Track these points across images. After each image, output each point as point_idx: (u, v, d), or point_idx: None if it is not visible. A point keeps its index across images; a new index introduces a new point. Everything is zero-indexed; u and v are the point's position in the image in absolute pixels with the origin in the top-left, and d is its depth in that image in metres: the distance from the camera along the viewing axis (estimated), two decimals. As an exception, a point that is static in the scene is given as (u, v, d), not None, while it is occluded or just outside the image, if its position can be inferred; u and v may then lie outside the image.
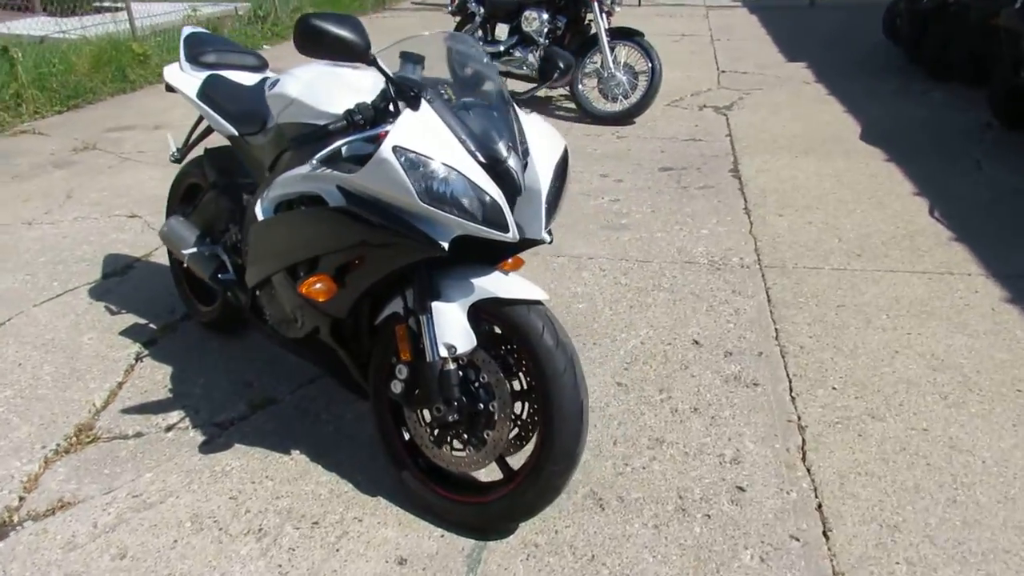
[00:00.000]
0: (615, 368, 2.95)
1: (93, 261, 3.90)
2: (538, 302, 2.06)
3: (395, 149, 1.85)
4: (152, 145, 5.74)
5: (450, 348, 2.03)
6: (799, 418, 2.66)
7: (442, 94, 2.05)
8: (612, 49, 6.16)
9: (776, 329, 3.21)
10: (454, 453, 2.19)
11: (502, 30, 6.90)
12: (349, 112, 2.00)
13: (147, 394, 2.85)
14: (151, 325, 3.31)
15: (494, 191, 1.92)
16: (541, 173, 2.03)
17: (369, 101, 2.02)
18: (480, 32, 7.09)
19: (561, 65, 2.34)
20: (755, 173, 5.02)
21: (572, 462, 2.05)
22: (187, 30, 3.18)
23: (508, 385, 2.07)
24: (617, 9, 6.31)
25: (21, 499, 2.35)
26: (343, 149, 2.01)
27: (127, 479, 2.41)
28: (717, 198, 4.62)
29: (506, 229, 1.93)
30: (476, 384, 2.11)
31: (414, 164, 1.86)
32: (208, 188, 2.94)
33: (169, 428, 2.66)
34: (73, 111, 6.83)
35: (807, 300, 3.43)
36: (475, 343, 2.04)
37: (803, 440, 2.55)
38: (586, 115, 6.31)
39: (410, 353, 2.10)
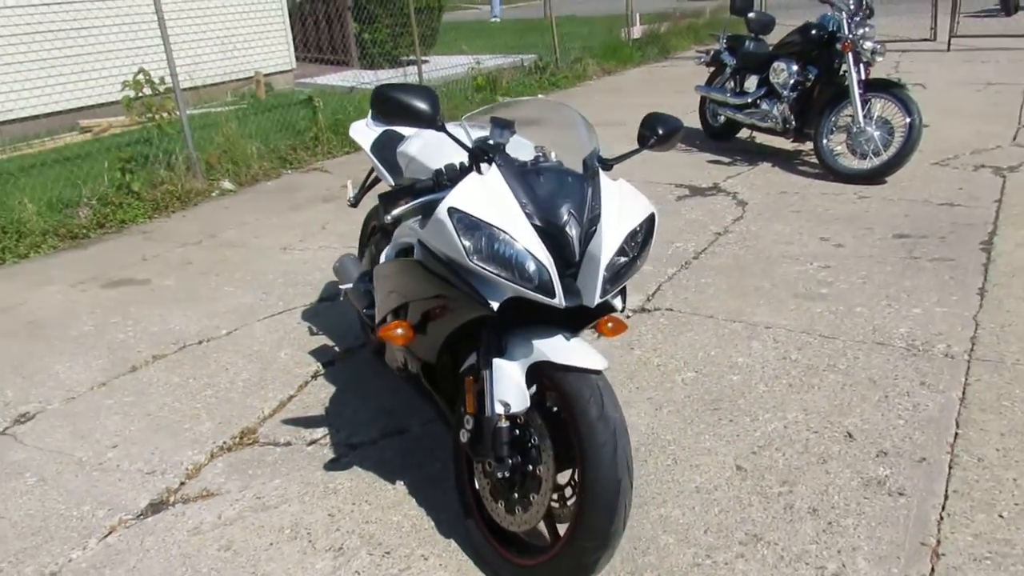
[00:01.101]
0: (742, 450, 2.74)
1: (316, 286, 4.46)
2: (593, 371, 2.01)
3: (450, 210, 1.95)
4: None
5: (505, 406, 2.06)
6: (938, 543, 2.26)
7: (516, 159, 2.11)
8: (866, 102, 5.67)
9: (956, 434, 2.75)
10: (505, 510, 2.20)
11: (752, 81, 6.69)
12: (438, 172, 2.15)
13: (308, 409, 3.22)
14: (336, 348, 3.72)
15: (543, 256, 1.93)
16: (606, 242, 2.00)
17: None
18: (731, 83, 6.93)
19: (660, 131, 2.28)
20: (1013, 247, 4.32)
21: (605, 542, 1.96)
22: (379, 86, 3.54)
23: (552, 451, 2.05)
24: (879, 60, 5.80)
25: (182, 484, 2.78)
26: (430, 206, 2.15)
27: (260, 481, 2.75)
28: (950, 273, 4.05)
29: (553, 295, 1.93)
30: (529, 444, 2.11)
31: (467, 225, 1.94)
32: (377, 230, 3.26)
33: (311, 442, 2.98)
34: (358, 152, 7.82)
35: (1013, 406, 2.89)
36: (527, 404, 2.05)
37: (932, 570, 2.17)
38: (830, 172, 5.86)
39: (475, 406, 2.17)
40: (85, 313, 4.32)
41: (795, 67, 6.09)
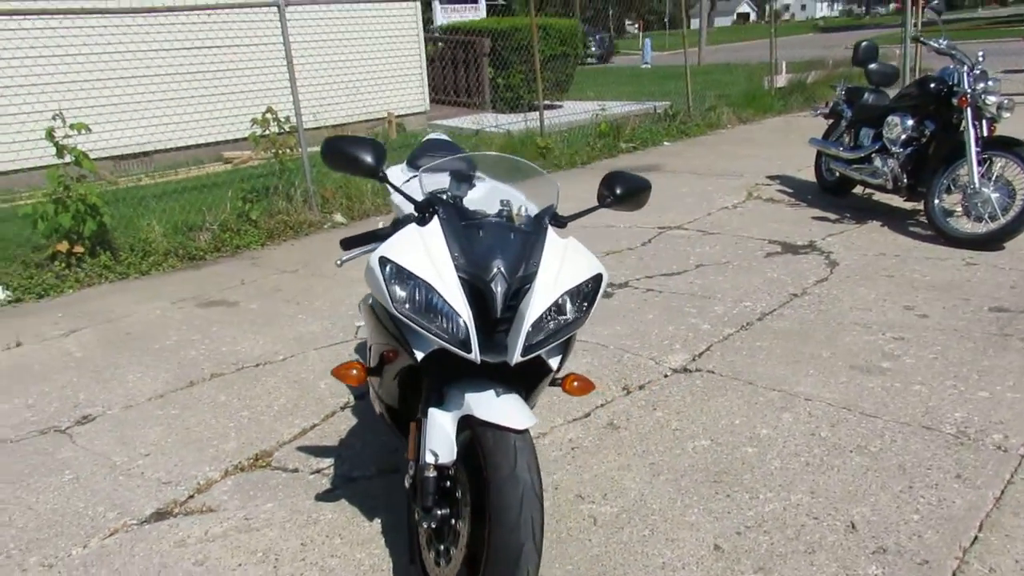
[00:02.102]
0: (726, 528, 2.58)
1: (379, 319, 4.64)
2: (513, 430, 1.98)
3: (381, 259, 2.01)
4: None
5: (435, 455, 2.07)
6: (905, 658, 2.03)
7: (474, 211, 2.14)
8: (985, 161, 5.22)
9: (976, 537, 2.45)
10: (433, 561, 2.20)
11: (868, 135, 6.31)
12: (395, 220, 2.22)
13: (324, 439, 3.35)
14: (372, 381, 3.84)
15: (464, 311, 1.94)
16: (535, 301, 1.98)
17: None
18: (846, 136, 6.59)
19: (617, 191, 2.23)
20: None
21: None
22: (429, 136, 3.68)
23: (472, 506, 2.03)
24: (1005, 116, 5.33)
25: (189, 497, 2.98)
26: None
27: (256, 503, 2.89)
28: (1040, 357, 3.63)
29: (469, 350, 1.93)
30: (456, 497, 2.10)
31: (395, 275, 1.99)
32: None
33: (315, 471, 3.10)
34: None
35: (1058, 513, 2.55)
36: (454, 456, 2.05)
37: None
38: (940, 235, 5.41)
39: (415, 453, 2.19)
40: (173, 329, 4.72)
41: (910, 122, 5.70)
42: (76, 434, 3.49)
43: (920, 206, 6.11)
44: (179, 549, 2.65)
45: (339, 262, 2.40)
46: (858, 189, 6.71)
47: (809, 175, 7.40)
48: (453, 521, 2.09)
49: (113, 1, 6.72)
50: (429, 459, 2.07)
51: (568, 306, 2.06)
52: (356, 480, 3.02)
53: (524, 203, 2.31)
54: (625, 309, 4.59)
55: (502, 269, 2.00)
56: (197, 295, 5.34)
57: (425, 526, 2.12)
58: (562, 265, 2.06)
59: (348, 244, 2.36)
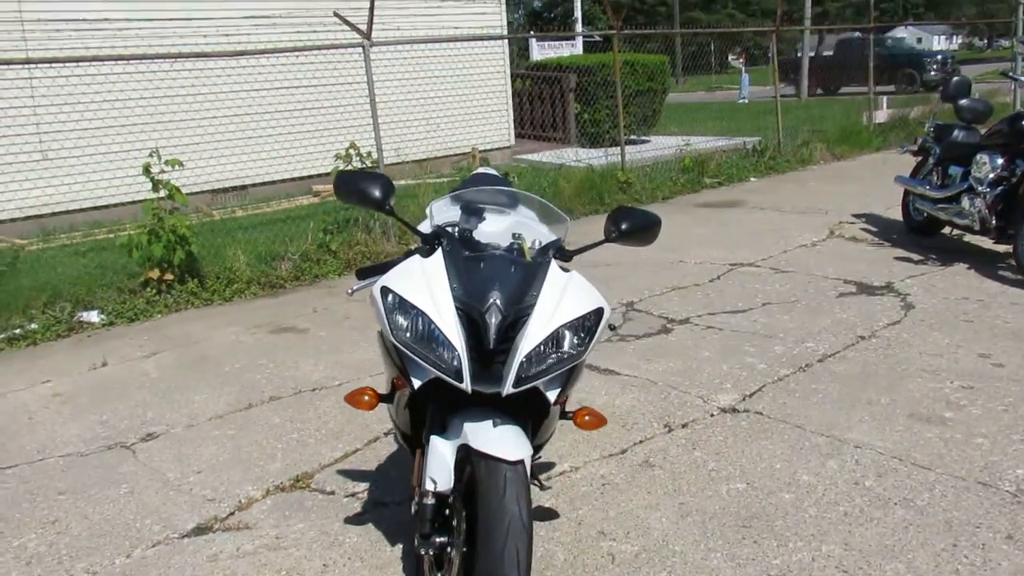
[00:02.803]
0: (747, 576, 2.49)
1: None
2: (506, 461, 1.99)
3: (383, 289, 2.07)
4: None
5: (433, 483, 2.10)
6: None
7: (471, 243, 2.18)
8: (1081, 202, 4.89)
9: (1019, 604, 2.28)
10: (432, 587, 2.21)
11: (957, 174, 6.01)
12: (407, 252, 2.28)
13: (363, 463, 3.43)
14: (419, 410, 3.91)
15: (457, 341, 1.98)
16: (529, 333, 2.00)
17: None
18: (934, 175, 6.30)
19: (623, 227, 2.22)
20: None
21: None
22: (477, 170, 3.76)
23: (465, 535, 2.04)
24: (1104, 155, 5.00)
25: (230, 514, 3.11)
26: None
27: (289, 523, 2.99)
28: None
29: (461, 379, 1.96)
30: (454, 524, 2.12)
31: (395, 304, 2.05)
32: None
33: (350, 495, 3.18)
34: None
35: (1118, 582, 2.33)
36: (451, 484, 2.08)
37: None
38: (1031, 279, 5.09)
39: (418, 479, 2.23)
40: (243, 353, 4.94)
41: (1000, 161, 5.42)
42: (139, 450, 3.70)
43: (999, 248, 5.77)
44: (210, 564, 2.77)
45: (350, 292, 2.48)
46: (947, 229, 6.38)
47: (897, 214, 7.10)
48: (449, 549, 2.11)
49: (210, 47, 7.25)
50: (428, 486, 2.11)
51: (567, 340, 2.06)
52: (386, 505, 3.08)
53: (539, 237, 2.34)
54: (681, 346, 4.51)
55: (498, 301, 2.02)
56: (271, 322, 5.58)
57: (422, 552, 2.14)
58: (561, 299, 2.08)
59: (363, 274, 2.45)
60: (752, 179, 10.17)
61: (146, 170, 6.02)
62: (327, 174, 7.79)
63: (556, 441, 3.44)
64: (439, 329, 2.00)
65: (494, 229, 2.36)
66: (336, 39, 7.60)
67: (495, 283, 2.06)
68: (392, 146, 8.39)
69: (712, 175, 10.02)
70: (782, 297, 5.26)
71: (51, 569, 2.79)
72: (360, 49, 7.06)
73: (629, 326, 4.92)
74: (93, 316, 5.82)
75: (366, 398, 2.38)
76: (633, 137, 12.19)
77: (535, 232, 2.36)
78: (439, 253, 2.15)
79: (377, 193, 2.22)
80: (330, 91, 8.72)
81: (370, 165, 7.41)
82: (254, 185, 8.58)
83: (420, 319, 2.02)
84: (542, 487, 3.01)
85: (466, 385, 1.98)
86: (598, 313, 2.10)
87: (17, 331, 5.52)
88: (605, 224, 2.37)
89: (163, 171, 6.06)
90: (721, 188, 9.74)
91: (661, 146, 11.40)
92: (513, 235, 2.29)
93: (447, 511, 2.13)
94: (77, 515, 3.14)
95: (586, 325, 2.08)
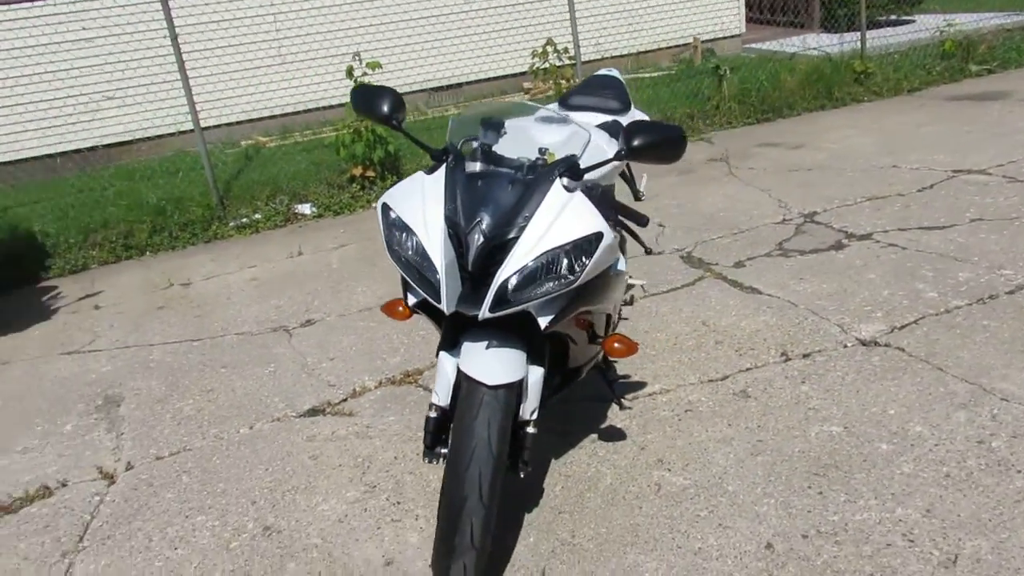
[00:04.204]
0: (792, 528, 2.27)
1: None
2: (485, 384, 1.97)
3: (383, 205, 2.08)
4: (765, 163, 6.04)
5: (437, 396, 2.15)
6: None
7: (490, 156, 2.10)
8: None
9: (1119, 613, 1.85)
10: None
11: None
12: (430, 166, 2.26)
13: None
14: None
15: (439, 261, 1.95)
16: (512, 255, 1.93)
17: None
18: None
19: (635, 142, 1.99)
20: None
21: (448, 551, 1.94)
22: (598, 72, 3.55)
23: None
24: None
25: (343, 400, 3.41)
26: None
27: (384, 415, 3.22)
28: None
29: (440, 300, 1.94)
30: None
31: (390, 220, 2.06)
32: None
33: (446, 394, 3.33)
34: (756, 125, 7.48)
35: None
36: (449, 400, 2.10)
37: None
38: None
39: (436, 392, 2.28)
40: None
41: None
42: (295, 334, 4.14)
43: None
44: (307, 443, 3.08)
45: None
46: None
47: None
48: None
49: None
50: (433, 399, 2.16)
51: (558, 264, 1.95)
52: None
53: (581, 152, 2.18)
54: (847, 265, 4.03)
55: (485, 221, 1.96)
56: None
57: (427, 461, 2.22)
58: (554, 222, 1.95)
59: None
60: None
61: (349, 72, 6.43)
62: (524, 73, 7.78)
63: (656, 360, 3.32)
64: (425, 249, 1.99)
65: (524, 141, 2.24)
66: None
67: (487, 203, 1.99)
68: (591, 41, 8.11)
69: (980, 61, 8.50)
70: (999, 213, 4.45)
71: (192, 431, 3.29)
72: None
73: (799, 240, 4.47)
74: (306, 208, 6.47)
75: (400, 309, 2.44)
76: (892, 18, 10.63)
77: (580, 146, 2.20)
78: (441, 170, 2.11)
79: (385, 108, 2.20)
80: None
81: (567, 62, 7.27)
82: (468, 83, 8.80)
83: (411, 238, 2.02)
84: (621, 407, 2.97)
85: (444, 306, 1.96)
86: (596, 238, 1.95)
87: (244, 220, 6.31)
88: (620, 139, 2.15)
89: (364, 73, 6.44)
90: (990, 77, 8.25)
91: (925, 27, 9.84)
92: (540, 150, 2.17)
93: (451, 425, 2.18)
94: (227, 387, 3.63)
95: (582, 250, 1.95)
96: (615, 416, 2.96)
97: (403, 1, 8.33)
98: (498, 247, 1.97)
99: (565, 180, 2.05)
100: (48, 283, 5.54)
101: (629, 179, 3.43)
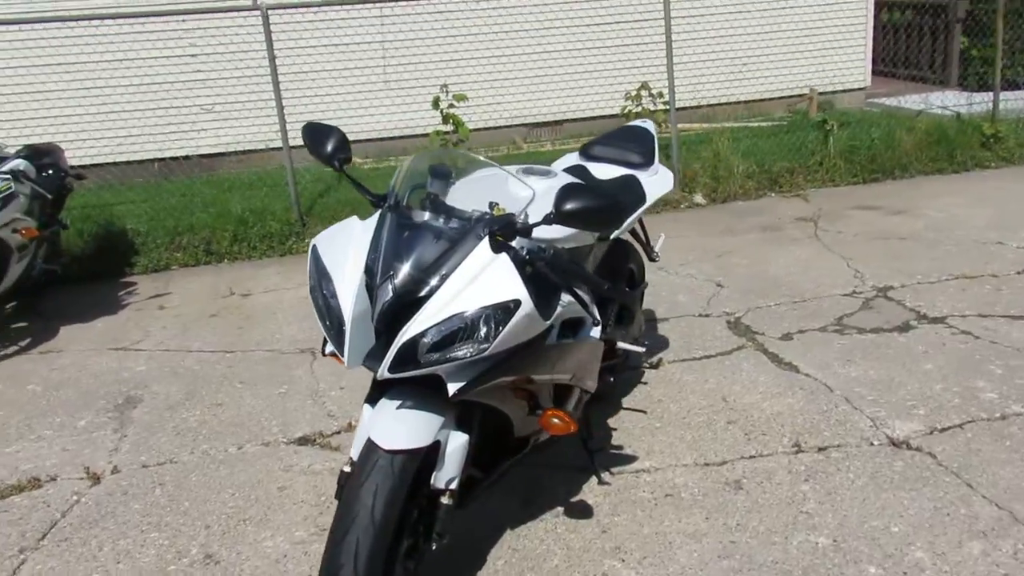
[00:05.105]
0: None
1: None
2: (383, 449, 1.85)
3: (313, 245, 2.01)
4: (856, 227, 5.61)
5: (352, 450, 2.05)
6: None
7: (422, 209, 1.99)
8: None
9: None
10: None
11: None
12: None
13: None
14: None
15: (347, 313, 1.85)
16: (422, 314, 1.80)
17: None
18: None
19: (564, 207, 1.82)
20: None
21: None
22: (635, 123, 3.37)
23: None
24: None
25: (334, 432, 3.35)
26: None
27: (366, 453, 3.14)
28: None
29: (342, 352, 1.84)
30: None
31: (316, 263, 1.98)
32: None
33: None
34: (860, 186, 6.98)
35: None
36: (354, 457, 2.00)
37: None
38: None
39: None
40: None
41: None
42: (319, 359, 4.13)
43: None
44: (282, 472, 3.05)
45: None
46: None
47: None
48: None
49: None
50: (351, 452, 2.06)
51: (477, 329, 1.81)
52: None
53: (528, 208, 2.04)
54: (905, 351, 3.63)
55: (398, 275, 1.85)
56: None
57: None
58: (471, 283, 1.82)
59: None
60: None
61: (435, 103, 6.50)
62: (618, 115, 7.64)
63: (657, 433, 3.08)
64: (338, 298, 1.90)
65: (484, 195, 2.10)
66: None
67: (407, 256, 1.89)
68: (688, 87, 7.84)
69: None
70: (1109, 309, 3.90)
71: (185, 443, 3.33)
72: (662, -20, 6.66)
73: (862, 316, 4.08)
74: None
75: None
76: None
77: (523, 202, 2.05)
78: (375, 217, 2.02)
79: (328, 148, 2.14)
80: (629, 28, 8.45)
81: (661, 106, 7.07)
82: (568, 121, 8.71)
83: (329, 285, 1.94)
84: (600, 480, 2.78)
85: (346, 360, 1.86)
86: (513, 305, 1.80)
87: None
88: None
89: (451, 104, 6.49)
90: None
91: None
92: (489, 203, 2.04)
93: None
94: (236, 403, 3.67)
95: (495, 317, 1.80)
96: (589, 490, 2.75)
97: (508, 37, 8.38)
98: (412, 303, 1.86)
99: (494, 239, 1.91)
100: (130, 278, 5.85)
101: (642, 237, 3.23)
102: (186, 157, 7.56)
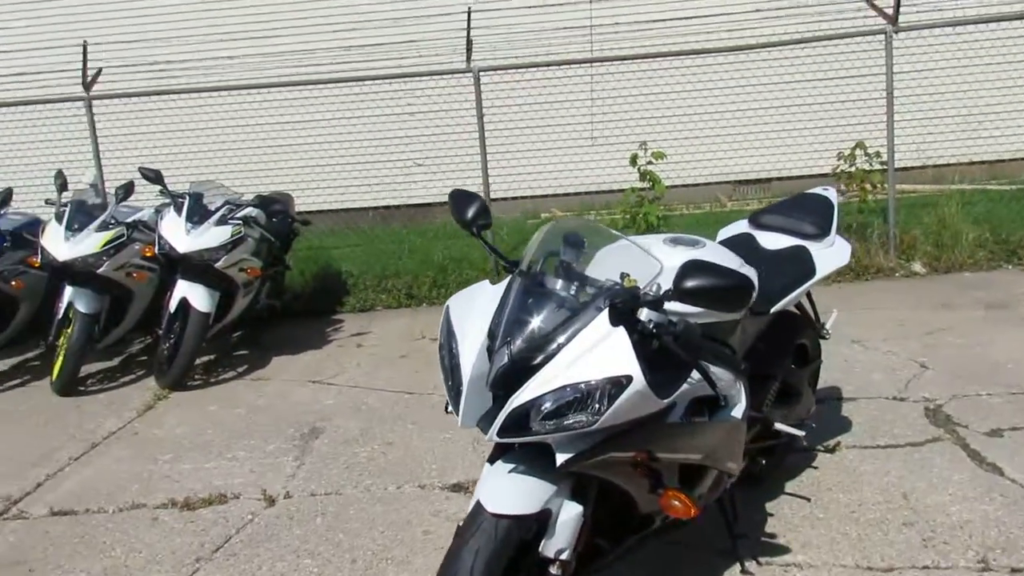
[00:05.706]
0: None
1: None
2: (490, 513, 1.86)
3: (447, 305, 2.10)
4: None
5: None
6: None
7: (540, 275, 2.02)
8: None
9: None
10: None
11: None
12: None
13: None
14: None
15: (466, 374, 1.90)
16: (532, 383, 1.82)
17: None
18: None
19: (685, 284, 1.73)
20: None
21: None
22: (815, 190, 3.19)
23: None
24: None
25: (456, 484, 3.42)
26: None
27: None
28: None
29: (457, 411, 1.89)
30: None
31: (447, 321, 2.06)
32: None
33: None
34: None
35: None
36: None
37: None
38: None
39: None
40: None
41: None
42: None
43: None
44: (431, 516, 3.15)
45: None
46: None
47: None
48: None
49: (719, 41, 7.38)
50: (469, 507, 2.09)
51: (590, 402, 1.78)
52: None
53: (658, 280, 1.99)
54: None
55: (516, 341, 1.87)
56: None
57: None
58: (585, 355, 1.80)
59: None
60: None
61: (633, 160, 6.54)
62: (829, 174, 7.22)
63: (818, 526, 2.84)
64: (459, 357, 1.96)
65: (612, 264, 2.07)
66: (848, 27, 6.92)
67: (527, 321, 1.91)
68: (910, 146, 7.19)
69: None
70: None
71: (352, 477, 3.53)
72: (882, 36, 6.28)
73: (1096, 417, 3.50)
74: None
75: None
76: None
77: (650, 275, 2.00)
78: (505, 281, 2.06)
79: (469, 214, 2.22)
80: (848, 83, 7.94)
81: (878, 166, 6.59)
82: (776, 179, 8.36)
83: (455, 344, 2.00)
84: (743, 568, 2.62)
85: (460, 420, 1.90)
86: (625, 381, 1.75)
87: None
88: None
89: (649, 162, 6.50)
90: None
91: None
92: (620, 275, 2.01)
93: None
94: (404, 443, 3.84)
95: (605, 392, 1.76)
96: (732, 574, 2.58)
97: (715, 94, 8.27)
98: (528, 369, 1.87)
99: (614, 311, 1.87)
100: (339, 316, 6.39)
101: (809, 312, 3.01)
102: (399, 206, 8.17)
